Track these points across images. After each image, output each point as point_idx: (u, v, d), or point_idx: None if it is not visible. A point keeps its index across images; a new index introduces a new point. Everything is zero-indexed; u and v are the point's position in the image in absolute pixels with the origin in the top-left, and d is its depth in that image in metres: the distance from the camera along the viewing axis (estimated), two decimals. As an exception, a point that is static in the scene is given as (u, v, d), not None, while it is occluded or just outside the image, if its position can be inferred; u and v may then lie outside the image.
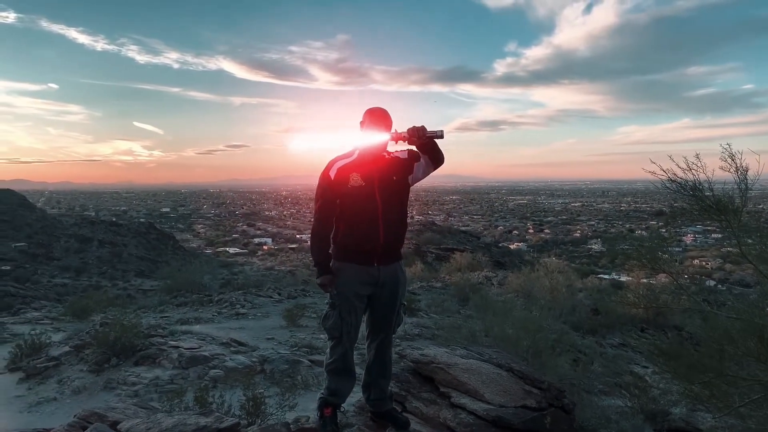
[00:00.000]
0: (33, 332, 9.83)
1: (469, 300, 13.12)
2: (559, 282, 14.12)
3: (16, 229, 44.20)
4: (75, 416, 3.52)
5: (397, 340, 9.63)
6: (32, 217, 45.44)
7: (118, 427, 3.20)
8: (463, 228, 62.16)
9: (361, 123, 3.33)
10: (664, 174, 3.60)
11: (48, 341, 9.03)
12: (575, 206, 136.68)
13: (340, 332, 3.23)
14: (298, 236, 78.19)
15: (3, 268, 33.16)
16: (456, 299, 14.45)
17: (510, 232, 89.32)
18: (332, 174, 3.29)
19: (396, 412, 3.31)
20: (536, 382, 3.12)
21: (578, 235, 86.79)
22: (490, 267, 21.01)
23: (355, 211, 3.27)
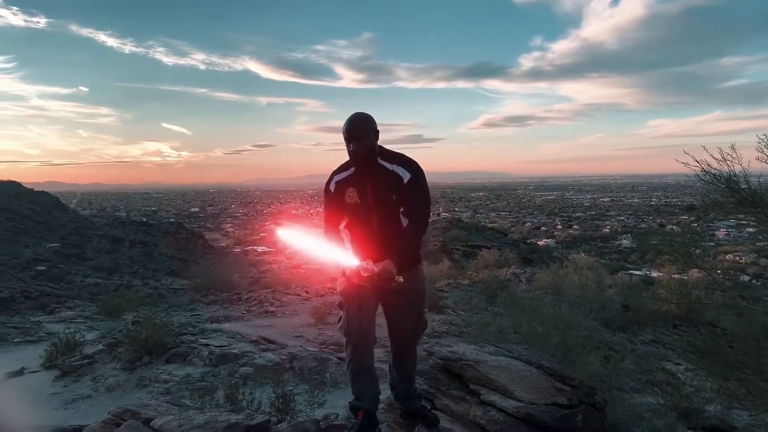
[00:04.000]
0: (68, 331, 10.04)
1: (496, 297, 13.04)
2: (588, 278, 13.94)
3: (50, 230, 45.26)
4: (109, 413, 3.58)
5: (425, 337, 9.63)
6: (65, 218, 46.43)
7: (151, 423, 3.25)
8: (490, 225, 61.75)
9: None
10: (697, 165, 3.52)
11: (82, 340, 9.21)
12: (604, 201, 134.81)
13: (347, 330, 3.24)
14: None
15: (38, 268, 33.97)
16: (483, 296, 14.37)
17: (538, 228, 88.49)
18: (332, 188, 3.33)
19: (425, 410, 3.27)
20: (567, 380, 3.08)
21: (607, 230, 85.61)
22: (518, 264, 20.82)
23: (355, 225, 3.31)
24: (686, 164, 3.47)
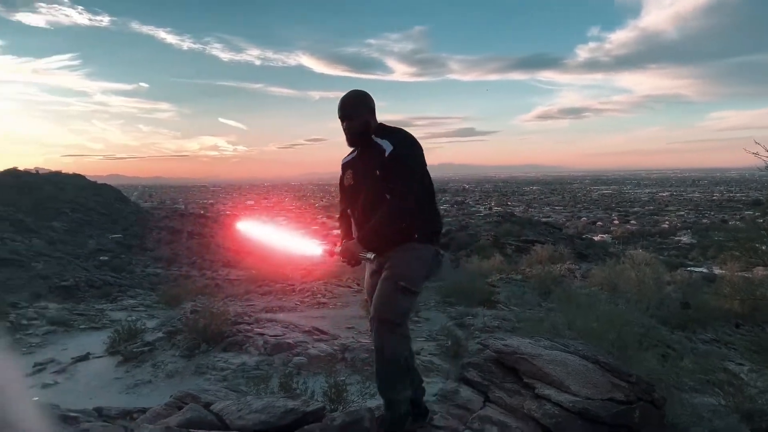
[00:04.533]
0: (129, 319, 10.44)
1: (550, 293, 12.84)
2: (646, 275, 13.57)
3: (113, 222, 47.00)
4: (171, 397, 3.72)
5: (476, 332, 9.57)
6: (127, 210, 48.15)
7: (211, 407, 3.36)
8: (544, 219, 60.79)
9: None
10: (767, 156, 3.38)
11: (143, 327, 9.55)
12: (663, 196, 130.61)
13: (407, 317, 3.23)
14: (376, 228, 78.85)
15: (102, 258, 35.36)
16: (536, 292, 14.17)
17: (594, 223, 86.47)
18: (341, 171, 3.32)
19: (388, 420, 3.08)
20: (624, 376, 3.02)
21: (666, 226, 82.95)
22: (573, 259, 20.43)
23: (351, 207, 3.26)
24: (756, 154, 3.34)
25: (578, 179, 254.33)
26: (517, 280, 16.45)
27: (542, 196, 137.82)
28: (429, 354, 8.34)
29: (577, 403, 2.75)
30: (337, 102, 3.15)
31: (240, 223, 3.29)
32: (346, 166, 3.26)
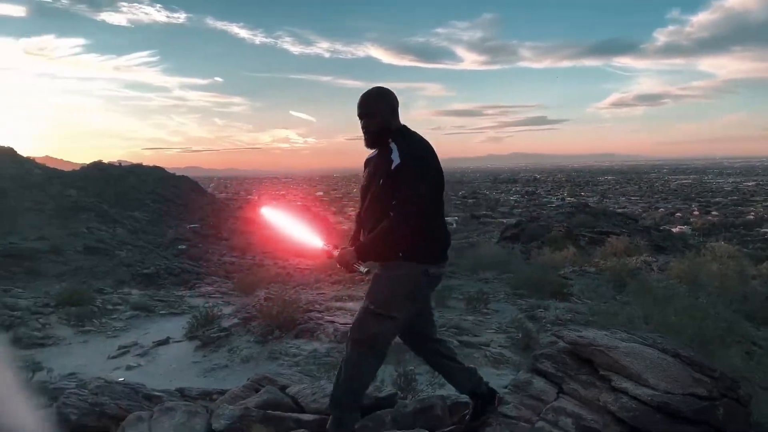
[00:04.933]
0: (206, 305, 10.85)
1: (625, 286, 12.44)
2: (729, 267, 12.93)
3: (190, 212, 48.85)
4: (248, 379, 3.86)
5: (548, 325, 9.40)
6: (204, 200, 49.92)
7: (287, 390, 3.47)
8: (619, 210, 58.81)
9: None
10: None
11: (219, 314, 9.91)
12: (748, 186, 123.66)
13: None
14: (444, 219, 78.48)
15: (180, 247, 36.85)
16: (611, 285, 13.76)
17: (672, 214, 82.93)
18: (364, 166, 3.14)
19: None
20: (706, 370, 2.90)
21: (752, 217, 78.54)
22: (650, 251, 19.68)
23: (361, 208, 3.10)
24: None
25: (655, 168, 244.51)
26: (590, 273, 16.03)
27: (617, 186, 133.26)
28: (499, 346, 8.27)
29: (656, 396, 2.66)
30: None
31: (264, 209, 3.21)
32: (366, 164, 3.08)
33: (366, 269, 2.84)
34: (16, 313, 10.60)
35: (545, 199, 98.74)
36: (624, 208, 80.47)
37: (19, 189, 38.49)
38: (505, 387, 3.46)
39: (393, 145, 2.82)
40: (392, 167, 2.76)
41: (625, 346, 2.99)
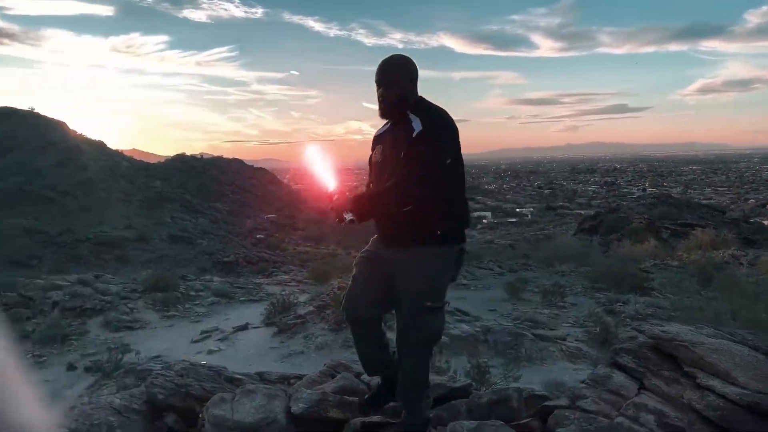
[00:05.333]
0: (283, 293, 11.14)
1: (711, 280, 11.87)
2: (828, 263, 12.10)
3: (267, 203, 50.26)
4: (325, 365, 3.95)
5: (627, 319, 9.11)
6: (280, 192, 51.20)
7: (362, 377, 3.53)
8: (704, 201, 56.02)
9: None
10: None
11: (295, 301, 10.16)
12: None
13: (340, 305, 3.03)
14: (518, 210, 77.26)
15: (258, 236, 38.01)
16: (695, 279, 13.17)
17: (763, 206, 78.10)
18: (372, 143, 2.94)
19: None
20: (802, 371, 2.74)
21: None
22: (738, 245, 18.67)
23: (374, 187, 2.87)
24: None
25: (745, 158, 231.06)
26: (673, 267, 15.40)
27: (703, 177, 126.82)
28: (575, 340, 8.10)
29: (746, 396, 2.54)
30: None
31: (310, 148, 2.90)
32: (376, 140, 2.88)
33: (351, 217, 2.58)
34: (106, 297, 11.24)
35: (625, 190, 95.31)
36: (710, 199, 76.48)
37: (108, 180, 40.70)
38: (583, 381, 3.39)
39: (412, 116, 2.65)
40: (413, 134, 2.59)
41: (711, 342, 2.86)
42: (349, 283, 2.95)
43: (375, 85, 2.74)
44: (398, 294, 2.77)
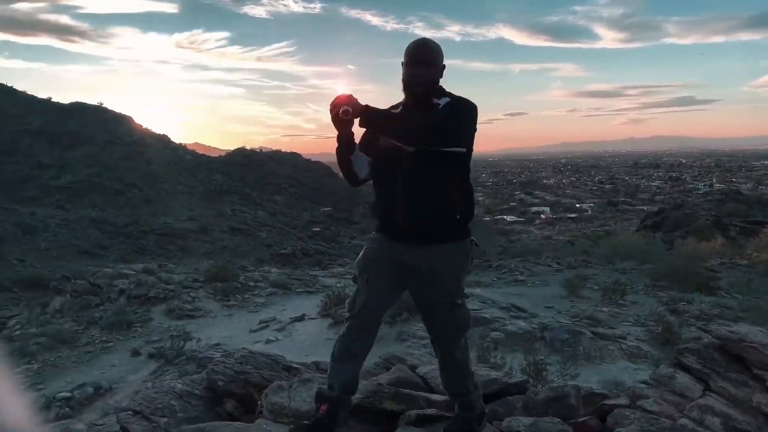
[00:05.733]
0: (339, 285, 11.26)
1: (783, 281, 11.35)
2: None
3: (323, 196, 50.83)
4: (380, 357, 3.98)
5: (691, 319, 8.81)
6: (336, 185, 51.62)
7: (416, 370, 3.54)
8: (776, 199, 53.52)
9: None
10: None
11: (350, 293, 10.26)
12: None
13: (350, 307, 2.73)
14: (577, 205, 75.65)
15: (314, 229, 38.52)
16: (766, 279, 12.61)
17: (841, 204, 74.09)
18: None
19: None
20: None
21: None
22: (813, 244, 17.77)
23: (379, 177, 2.67)
24: None
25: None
26: (741, 266, 14.79)
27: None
28: (636, 339, 7.89)
29: (820, 402, 2.42)
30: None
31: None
32: None
33: (346, 108, 2.38)
34: (170, 286, 11.64)
35: (691, 186, 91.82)
36: (784, 196, 72.93)
37: (172, 173, 42.04)
38: (644, 381, 3.30)
39: (437, 100, 2.55)
40: (440, 106, 2.51)
41: (783, 344, 2.74)
42: (362, 286, 2.70)
43: (407, 65, 2.58)
44: (423, 297, 2.71)
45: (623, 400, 2.92)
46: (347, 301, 2.77)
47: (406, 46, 2.62)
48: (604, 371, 6.57)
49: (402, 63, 2.61)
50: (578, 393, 3.12)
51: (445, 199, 2.52)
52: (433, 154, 2.46)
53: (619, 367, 6.80)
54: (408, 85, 2.58)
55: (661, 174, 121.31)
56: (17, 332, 9.80)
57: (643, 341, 7.86)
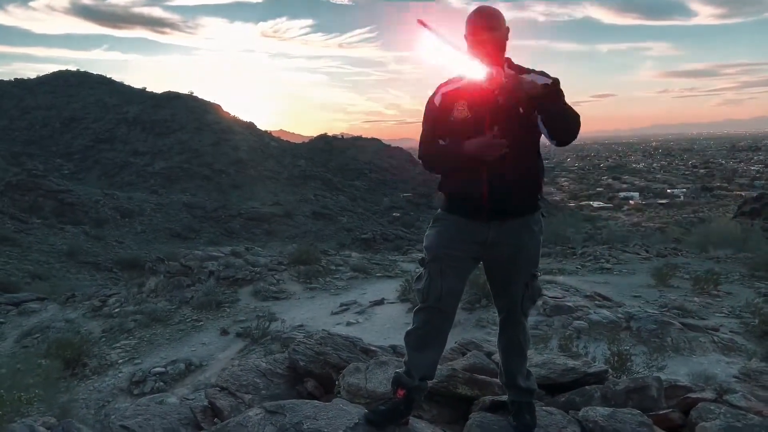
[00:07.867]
0: (417, 270, 11.31)
1: None
2: None
3: (403, 182, 51.01)
4: (456, 343, 3.99)
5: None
6: (416, 171, 51.67)
7: (492, 357, 3.53)
8: None
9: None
10: None
11: (436, 279, 10.28)
12: None
13: (426, 296, 2.57)
14: (669, 191, 72.20)
15: (394, 214, 38.78)
16: None
17: None
18: (437, 101, 2.56)
19: (525, 410, 2.71)
20: None
21: None
22: None
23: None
24: None
25: None
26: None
27: None
28: (730, 331, 7.51)
29: None
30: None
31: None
32: (453, 95, 2.53)
33: (549, 80, 2.23)
34: (256, 269, 12.08)
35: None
36: None
37: (258, 159, 43.42)
38: (732, 376, 3.15)
39: (509, 71, 2.34)
40: (541, 84, 2.26)
41: None
42: (434, 274, 2.58)
43: (476, 35, 2.42)
44: (503, 273, 2.63)
45: (709, 394, 2.80)
46: (418, 288, 2.63)
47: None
48: (694, 364, 6.30)
49: (465, 36, 2.47)
50: (660, 385, 3.02)
51: (531, 175, 2.51)
52: (523, 130, 2.41)
53: (711, 360, 6.50)
54: (475, 50, 2.39)
55: (761, 158, 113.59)
56: (117, 309, 10.51)
57: (737, 334, 7.47)
